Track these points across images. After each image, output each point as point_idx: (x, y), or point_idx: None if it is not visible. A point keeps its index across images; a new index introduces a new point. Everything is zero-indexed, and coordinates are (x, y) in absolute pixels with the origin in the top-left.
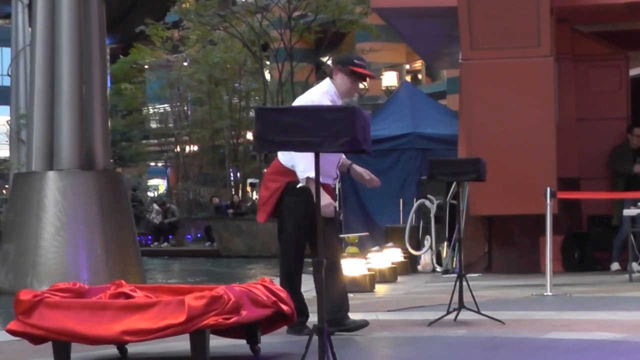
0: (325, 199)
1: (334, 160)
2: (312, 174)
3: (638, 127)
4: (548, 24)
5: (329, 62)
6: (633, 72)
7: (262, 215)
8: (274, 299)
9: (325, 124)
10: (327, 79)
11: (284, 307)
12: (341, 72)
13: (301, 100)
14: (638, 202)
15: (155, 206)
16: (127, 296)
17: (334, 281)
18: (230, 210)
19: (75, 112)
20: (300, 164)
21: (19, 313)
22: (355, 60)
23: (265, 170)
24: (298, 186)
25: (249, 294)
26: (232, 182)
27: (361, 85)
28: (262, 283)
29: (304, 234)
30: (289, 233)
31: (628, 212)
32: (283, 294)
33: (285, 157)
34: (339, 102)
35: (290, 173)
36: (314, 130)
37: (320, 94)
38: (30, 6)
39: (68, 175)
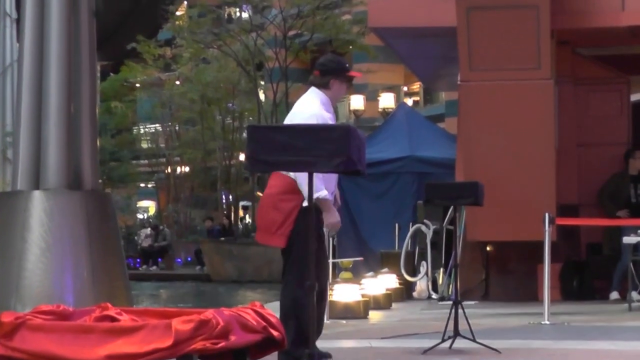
0: (335, 215)
1: (334, 176)
2: (324, 194)
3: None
4: (548, 46)
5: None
6: (634, 97)
7: (281, 240)
8: (264, 324)
9: (320, 144)
10: (315, 89)
11: (275, 333)
12: (338, 81)
13: (300, 112)
14: (638, 230)
15: (145, 230)
16: (113, 319)
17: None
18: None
19: (62, 130)
20: (305, 186)
21: (0, 335)
22: (347, 65)
23: (258, 192)
24: (304, 204)
25: (239, 319)
26: (224, 205)
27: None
28: (252, 307)
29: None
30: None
31: (628, 239)
32: (274, 319)
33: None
34: (332, 113)
35: None
36: (308, 149)
37: (319, 107)
38: (19, 21)
39: (54, 195)
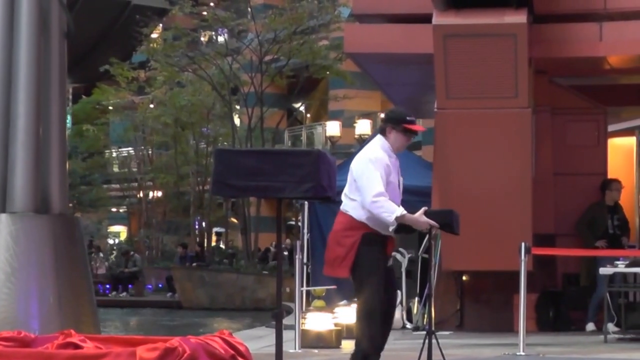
0: (420, 220)
1: (394, 187)
2: (400, 211)
3: (616, 181)
4: (526, 75)
5: (382, 117)
6: (612, 127)
7: (344, 271)
8: (232, 352)
9: (289, 169)
10: (379, 136)
11: None
12: (395, 131)
13: (359, 157)
14: (615, 261)
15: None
16: (76, 346)
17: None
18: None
19: (30, 153)
20: (382, 213)
21: None
22: (407, 118)
23: (232, 218)
24: (391, 229)
25: (206, 347)
26: (196, 231)
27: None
28: (221, 336)
29: (382, 280)
30: (371, 284)
31: (604, 270)
32: (242, 347)
33: (358, 213)
34: (393, 157)
35: (364, 226)
36: (276, 174)
37: (379, 151)
38: None
39: (21, 219)
